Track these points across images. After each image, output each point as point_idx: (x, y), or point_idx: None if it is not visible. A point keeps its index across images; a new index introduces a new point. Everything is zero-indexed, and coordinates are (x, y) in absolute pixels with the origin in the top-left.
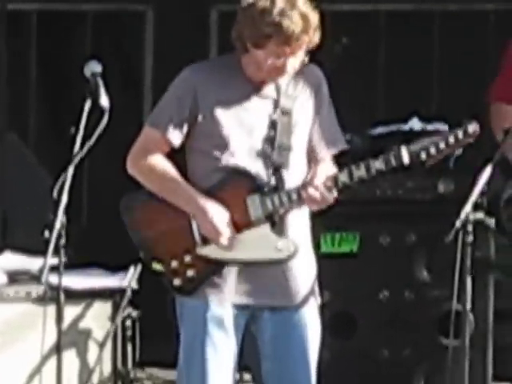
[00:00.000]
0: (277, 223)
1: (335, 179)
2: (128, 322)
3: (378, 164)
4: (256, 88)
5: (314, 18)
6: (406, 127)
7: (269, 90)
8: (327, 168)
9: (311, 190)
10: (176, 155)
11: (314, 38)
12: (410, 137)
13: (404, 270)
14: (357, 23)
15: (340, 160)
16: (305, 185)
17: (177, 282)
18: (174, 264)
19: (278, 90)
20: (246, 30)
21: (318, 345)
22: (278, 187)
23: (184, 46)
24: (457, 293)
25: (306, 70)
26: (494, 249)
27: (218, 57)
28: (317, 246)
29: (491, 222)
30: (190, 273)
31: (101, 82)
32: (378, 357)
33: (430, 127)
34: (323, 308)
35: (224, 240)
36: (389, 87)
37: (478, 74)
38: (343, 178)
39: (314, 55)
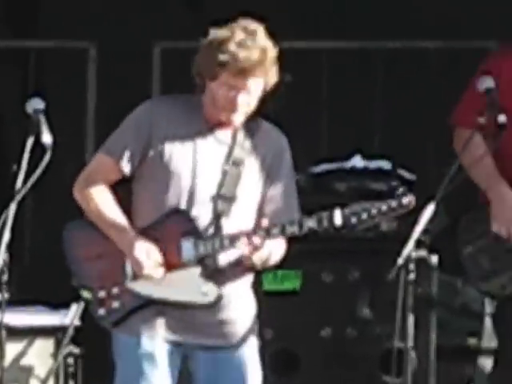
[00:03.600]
0: (208, 268)
1: (268, 231)
2: (70, 360)
3: (310, 223)
4: (213, 131)
5: (272, 54)
6: (348, 165)
7: (225, 136)
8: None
9: (244, 241)
10: (120, 184)
11: (270, 76)
12: (352, 175)
13: (347, 307)
14: (299, 61)
15: None
16: (239, 234)
17: (101, 311)
18: (102, 294)
19: (234, 138)
20: (203, 60)
21: None
22: (215, 234)
23: (127, 82)
24: (399, 330)
25: (270, 132)
26: (437, 286)
27: (181, 94)
28: (259, 283)
29: (434, 259)
30: (116, 304)
31: (43, 119)
32: None
33: (372, 165)
34: (266, 346)
35: (149, 273)
36: (332, 125)
37: (420, 111)
38: (275, 231)
39: (272, 94)
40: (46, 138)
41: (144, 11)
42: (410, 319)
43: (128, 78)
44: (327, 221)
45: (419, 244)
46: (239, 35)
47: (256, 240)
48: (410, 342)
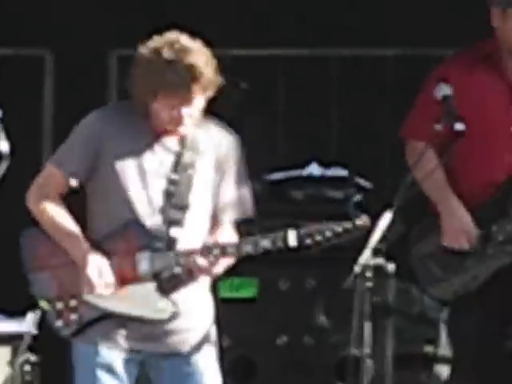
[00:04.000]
0: (163, 282)
1: (223, 249)
2: (27, 367)
3: (265, 243)
4: (160, 138)
5: (206, 66)
6: (304, 173)
7: (172, 142)
8: (223, 236)
9: (198, 258)
10: (74, 195)
11: (210, 85)
12: (309, 182)
13: (303, 315)
14: (256, 68)
15: None
16: (193, 252)
17: (59, 323)
18: (60, 305)
19: (182, 143)
20: (136, 83)
21: None
22: (170, 246)
23: (83, 89)
24: (356, 338)
25: (220, 129)
26: (393, 294)
27: (124, 102)
28: (216, 290)
29: (391, 267)
30: (73, 316)
31: (0, 127)
32: None
33: (328, 173)
34: (222, 353)
35: (98, 291)
36: (288, 132)
37: (377, 119)
38: (231, 250)
39: (212, 101)
40: (3, 146)
41: (100, 19)
42: (367, 327)
43: (85, 86)
44: (281, 241)
45: (376, 252)
46: (167, 55)
47: (211, 258)
48: (367, 350)
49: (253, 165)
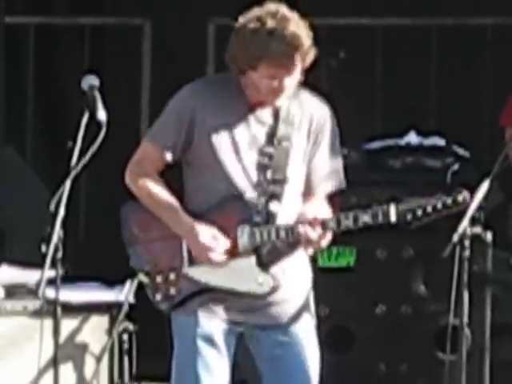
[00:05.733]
0: (264, 256)
1: (324, 224)
2: (125, 336)
3: (365, 217)
4: (254, 111)
5: (306, 37)
6: (402, 142)
7: (267, 114)
8: (320, 208)
9: (308, 230)
10: (170, 169)
11: (308, 56)
12: (407, 151)
13: (401, 284)
14: (354, 37)
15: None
16: (299, 224)
17: (158, 296)
18: (159, 279)
19: (276, 115)
20: (237, 52)
21: (317, 363)
22: (269, 220)
23: (181, 59)
24: (454, 307)
25: (313, 100)
26: (492, 263)
27: (217, 75)
28: (314, 260)
29: (489, 236)
30: (172, 290)
31: (98, 96)
32: (374, 371)
33: (427, 142)
34: (320, 322)
35: (215, 256)
36: (386, 101)
37: (476, 88)
38: (331, 224)
39: (310, 69)
40: (101, 114)
41: None
42: (465, 296)
43: (183, 55)
44: (382, 216)
45: (474, 221)
46: (270, 24)
47: (312, 233)
48: (465, 319)
49: (350, 134)
